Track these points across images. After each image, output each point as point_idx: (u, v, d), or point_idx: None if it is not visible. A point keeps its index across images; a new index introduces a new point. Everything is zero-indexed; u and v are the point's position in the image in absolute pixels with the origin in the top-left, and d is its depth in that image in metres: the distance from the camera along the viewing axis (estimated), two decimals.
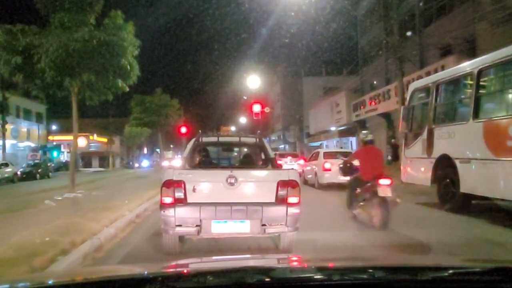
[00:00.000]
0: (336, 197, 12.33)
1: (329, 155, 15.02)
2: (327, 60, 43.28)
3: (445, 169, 8.89)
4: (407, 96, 11.09)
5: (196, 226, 4.73)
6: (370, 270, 1.67)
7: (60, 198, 10.92)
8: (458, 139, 8.43)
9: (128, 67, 11.17)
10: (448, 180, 8.84)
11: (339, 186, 14.53)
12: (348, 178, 8.49)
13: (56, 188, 15.40)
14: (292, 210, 4.82)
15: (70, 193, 11.47)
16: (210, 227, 4.76)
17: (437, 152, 9.17)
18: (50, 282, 1.68)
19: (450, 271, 1.65)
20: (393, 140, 26.35)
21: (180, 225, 4.76)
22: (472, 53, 17.19)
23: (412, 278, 1.55)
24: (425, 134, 9.70)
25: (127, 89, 12.04)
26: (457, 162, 8.35)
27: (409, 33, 22.79)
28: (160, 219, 4.98)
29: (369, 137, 8.10)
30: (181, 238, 5.23)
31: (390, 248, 5.63)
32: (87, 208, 8.44)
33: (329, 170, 14.23)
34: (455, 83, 9.10)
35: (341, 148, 33.35)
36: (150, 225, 7.43)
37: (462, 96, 8.99)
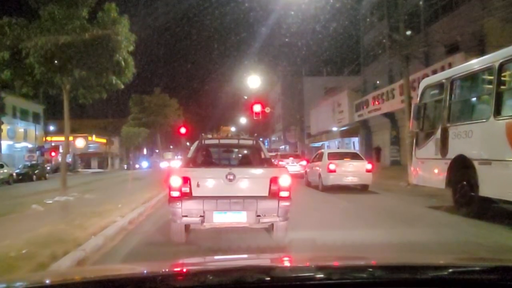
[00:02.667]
0: (343, 199, 11.75)
1: (334, 156, 14.38)
2: (328, 59, 42.79)
3: (462, 170, 8.28)
4: (418, 93, 10.47)
5: (200, 216, 5.36)
6: (370, 269, 1.68)
7: (50, 202, 10.30)
8: (477, 139, 7.80)
9: (123, 63, 10.54)
10: (465, 183, 8.22)
11: (345, 188, 14.01)
12: None
13: (50, 190, 14.75)
14: (283, 203, 5.46)
15: (61, 196, 10.84)
16: (212, 217, 5.39)
17: (452, 153, 8.55)
18: (49, 281, 1.66)
19: (450, 271, 1.65)
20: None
21: (186, 216, 5.39)
22: (480, 50, 16.63)
23: (412, 277, 1.54)
24: (438, 134, 9.08)
25: (122, 86, 11.40)
26: (475, 164, 7.73)
27: (414, 30, 22.19)
28: (169, 210, 5.56)
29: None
30: (187, 227, 5.84)
31: (391, 248, 5.69)
32: (76, 213, 7.82)
33: (334, 171, 13.62)
34: (473, 78, 8.48)
35: (338, 148, 32.80)
36: (144, 233, 6.83)
37: (481, 92, 8.36)
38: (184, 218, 5.42)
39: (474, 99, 8.62)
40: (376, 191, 13.80)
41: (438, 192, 11.70)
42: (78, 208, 8.67)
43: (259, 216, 5.44)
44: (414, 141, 10.45)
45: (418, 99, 10.32)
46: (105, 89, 11.50)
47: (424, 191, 12.91)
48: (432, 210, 9.49)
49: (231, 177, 5.45)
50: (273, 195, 5.47)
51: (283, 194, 5.49)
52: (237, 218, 5.46)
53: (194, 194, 5.40)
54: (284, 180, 5.52)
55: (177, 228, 5.69)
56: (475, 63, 8.35)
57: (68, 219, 6.99)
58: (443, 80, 9.21)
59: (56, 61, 9.66)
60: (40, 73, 9.86)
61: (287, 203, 5.52)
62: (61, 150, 56.30)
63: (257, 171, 5.99)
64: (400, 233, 6.79)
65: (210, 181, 5.57)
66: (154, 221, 7.89)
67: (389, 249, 5.60)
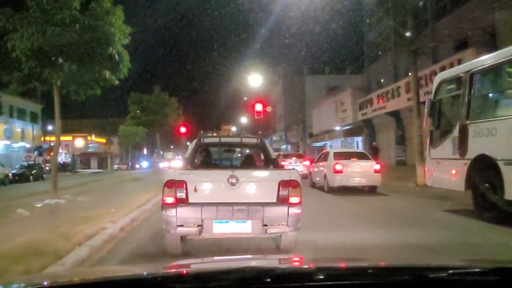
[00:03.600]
0: (351, 202, 11.09)
1: (340, 156, 13.70)
2: (330, 58, 42.20)
3: (484, 171, 7.61)
4: (433, 89, 9.79)
5: (198, 226, 4.71)
6: (370, 271, 1.70)
7: (39, 205, 9.61)
8: (502, 137, 7.12)
9: (117, 57, 9.84)
10: (487, 185, 7.55)
11: (351, 190, 13.34)
12: None
13: (42, 192, 14.02)
14: (294, 210, 4.80)
15: (52, 199, 10.14)
16: (212, 227, 4.73)
17: (472, 152, 7.88)
18: (47, 283, 1.62)
19: (450, 271, 1.65)
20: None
21: (181, 225, 4.73)
22: (491, 46, 15.95)
23: (412, 278, 1.53)
24: (456, 131, 8.41)
25: (117, 82, 10.71)
26: (500, 164, 7.05)
27: (421, 26, 21.51)
28: (162, 219, 4.88)
29: None
30: (183, 238, 5.13)
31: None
32: (63, 218, 7.14)
33: (341, 172, 12.95)
34: (496, 71, 7.78)
35: (340, 147, 32.03)
36: (136, 241, 6.15)
37: (507, 86, 7.65)
38: (179, 228, 4.72)
39: (498, 93, 7.93)
40: (384, 193, 13.13)
41: (451, 194, 11.07)
42: (67, 213, 7.99)
43: (266, 225, 4.75)
44: (428, 140, 9.76)
45: (433, 94, 9.64)
46: (99, 85, 10.80)
47: (434, 192, 12.27)
48: (449, 214, 8.80)
49: (234, 180, 4.77)
50: (282, 201, 4.78)
51: (294, 200, 4.79)
52: (241, 228, 4.76)
53: (190, 200, 4.71)
54: (295, 184, 4.83)
55: (172, 239, 4.98)
56: (498, 55, 7.67)
57: (53, 225, 6.31)
58: (461, 74, 8.54)
59: (44, 54, 8.97)
60: (28, 67, 9.18)
61: (298, 211, 4.83)
62: (60, 150, 55.95)
63: (264, 174, 5.31)
64: (417, 239, 6.10)
65: (209, 185, 4.90)
66: (148, 227, 7.21)
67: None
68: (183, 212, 4.69)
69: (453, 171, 8.61)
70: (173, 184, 4.71)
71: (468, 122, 8.10)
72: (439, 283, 1.53)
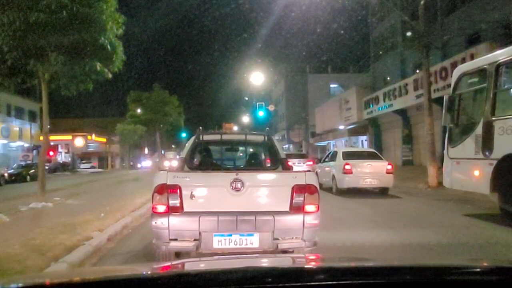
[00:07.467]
0: (362, 205, 10.32)
1: (349, 155, 12.91)
2: (333, 56, 41.50)
3: None
4: (452, 83, 9.03)
5: (195, 240, 4.04)
6: (371, 270, 1.69)
7: (24, 209, 8.87)
8: None
9: (109, 47, 9.07)
10: None
11: (361, 192, 12.59)
12: None
13: (33, 194, 13.30)
14: (310, 221, 4.11)
15: (38, 203, 9.38)
16: (212, 241, 4.05)
17: (499, 151, 7.16)
18: (47, 282, 1.56)
19: (450, 271, 1.63)
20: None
21: (175, 239, 4.06)
22: (506, 40, 15.19)
23: (412, 278, 1.52)
24: (479, 129, 7.67)
25: (110, 76, 9.97)
26: None
27: (430, 20, 20.72)
28: (152, 231, 4.21)
29: None
30: (178, 254, 4.46)
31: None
32: (45, 226, 6.40)
33: (350, 172, 12.17)
34: None
35: (345, 147, 31.30)
36: (125, 254, 5.38)
37: None
38: (173, 243, 4.01)
39: None
40: (396, 195, 12.37)
41: (467, 196, 10.35)
42: (51, 218, 7.23)
43: (277, 239, 4.06)
44: (447, 138, 9.00)
45: (452, 89, 8.90)
46: (90, 79, 10.04)
47: (448, 194, 11.57)
48: (473, 219, 7.99)
49: (238, 185, 4.07)
50: (297, 209, 4.08)
51: (310, 208, 4.09)
52: (246, 242, 4.05)
53: (186, 208, 4.02)
54: (312, 189, 4.11)
55: (164, 257, 4.29)
56: None
57: (30, 235, 5.55)
58: (486, 66, 7.80)
59: (28, 44, 8.21)
60: (12, 58, 8.43)
61: (315, 221, 4.12)
62: (60, 150, 55.27)
63: (274, 177, 4.53)
64: (448, 253, 5.37)
65: (209, 190, 4.21)
66: (142, 236, 6.40)
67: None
68: (177, 223, 4.00)
69: (476, 172, 7.87)
70: (165, 190, 4.01)
71: (493, 118, 7.39)
72: (439, 283, 1.51)
